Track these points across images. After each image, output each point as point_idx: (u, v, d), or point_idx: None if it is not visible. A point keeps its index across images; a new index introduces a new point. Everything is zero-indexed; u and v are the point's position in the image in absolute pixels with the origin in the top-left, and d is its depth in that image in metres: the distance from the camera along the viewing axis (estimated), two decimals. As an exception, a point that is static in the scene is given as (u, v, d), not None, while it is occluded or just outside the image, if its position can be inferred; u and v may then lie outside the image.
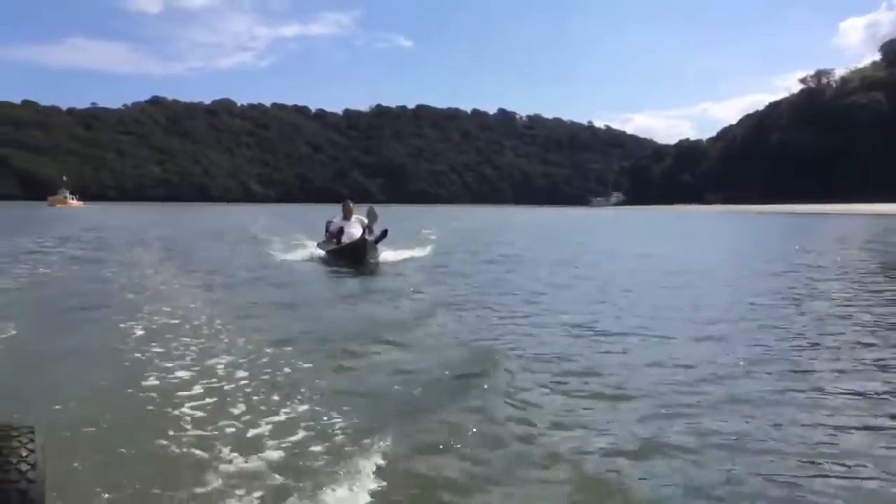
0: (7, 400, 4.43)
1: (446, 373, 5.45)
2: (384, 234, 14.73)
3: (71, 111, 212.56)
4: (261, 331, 6.82)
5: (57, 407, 4.32)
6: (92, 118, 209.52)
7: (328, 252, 14.88)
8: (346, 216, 15.70)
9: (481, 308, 8.66)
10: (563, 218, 66.49)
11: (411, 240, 19.47)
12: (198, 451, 3.68)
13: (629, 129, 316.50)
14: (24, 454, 1.31)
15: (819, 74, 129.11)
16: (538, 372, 5.49)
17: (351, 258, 13.63)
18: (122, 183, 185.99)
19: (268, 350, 5.96)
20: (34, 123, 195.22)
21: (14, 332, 6.46)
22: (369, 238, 14.05)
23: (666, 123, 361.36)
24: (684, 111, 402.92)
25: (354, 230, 14.81)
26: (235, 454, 3.66)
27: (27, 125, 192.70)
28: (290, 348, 6.05)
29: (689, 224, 49.79)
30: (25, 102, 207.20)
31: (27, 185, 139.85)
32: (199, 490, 3.22)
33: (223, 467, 3.49)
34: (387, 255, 15.08)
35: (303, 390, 4.81)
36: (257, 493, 3.20)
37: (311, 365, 5.55)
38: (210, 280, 11.19)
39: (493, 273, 13.17)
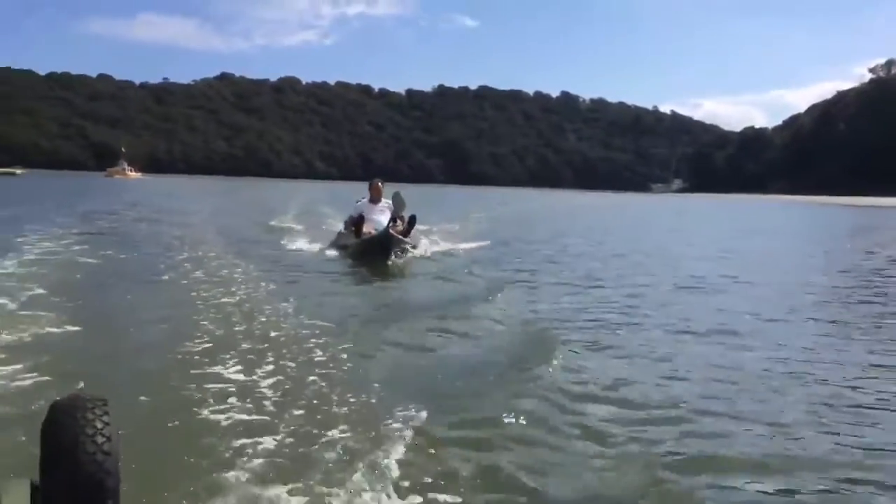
0: (73, 369, 4.76)
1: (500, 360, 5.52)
2: (412, 221, 12.83)
3: (144, 85, 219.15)
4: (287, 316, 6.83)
5: (109, 377, 4.60)
6: (164, 92, 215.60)
7: (346, 247, 12.66)
8: (374, 199, 13.41)
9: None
10: (622, 204, 65.71)
11: (454, 230, 18.25)
12: (241, 426, 3.88)
13: (698, 115, 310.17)
14: (99, 426, 1.34)
15: (890, 64, 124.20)
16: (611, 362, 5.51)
17: (374, 251, 11.75)
18: (190, 157, 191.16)
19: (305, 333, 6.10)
20: (109, 97, 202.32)
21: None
22: (395, 227, 12.30)
23: (736, 110, 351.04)
24: (756, 97, 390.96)
25: (380, 217, 12.69)
26: (276, 427, 3.84)
27: (103, 98, 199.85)
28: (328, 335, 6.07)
29: (751, 215, 48.77)
30: (101, 76, 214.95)
31: (101, 156, 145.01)
32: (241, 463, 3.40)
33: (264, 440, 3.67)
34: (424, 246, 13.51)
35: (350, 372, 4.96)
36: (296, 467, 3.35)
37: (353, 346, 5.69)
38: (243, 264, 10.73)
39: (553, 270, 11.92)
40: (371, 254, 11.70)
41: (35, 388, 4.45)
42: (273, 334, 6.02)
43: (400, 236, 12.19)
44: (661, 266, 13.50)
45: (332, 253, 12.70)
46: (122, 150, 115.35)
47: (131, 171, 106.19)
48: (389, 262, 11.50)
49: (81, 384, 4.39)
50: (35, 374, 4.74)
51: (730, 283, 11.09)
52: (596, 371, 5.32)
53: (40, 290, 7.77)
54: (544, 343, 6.06)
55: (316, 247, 13.55)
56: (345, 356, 5.38)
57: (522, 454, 3.71)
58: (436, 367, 5.42)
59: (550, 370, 5.23)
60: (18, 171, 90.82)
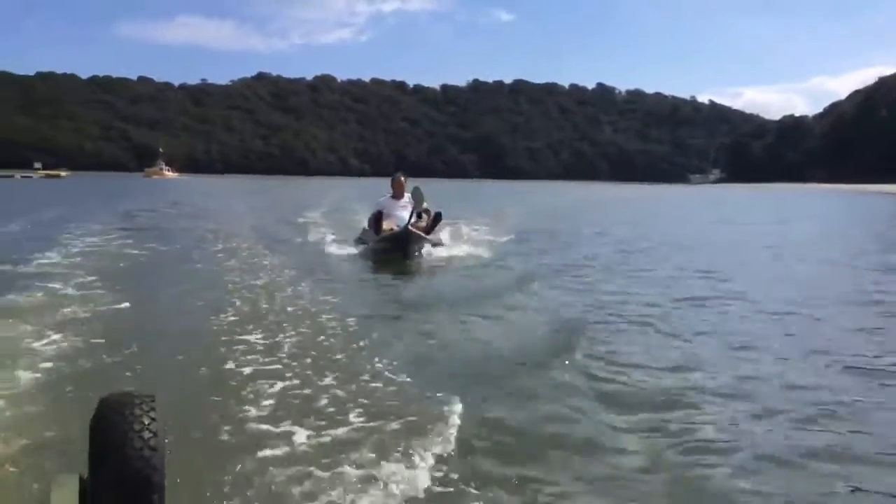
0: (115, 362, 4.93)
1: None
2: (437, 218, 12.51)
3: (182, 87, 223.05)
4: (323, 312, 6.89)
5: (149, 375, 4.69)
6: (202, 93, 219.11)
7: (367, 247, 12.32)
8: (396, 195, 12.88)
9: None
10: (657, 197, 64.94)
11: (483, 225, 17.73)
12: (278, 419, 3.94)
13: (738, 104, 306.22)
14: (146, 422, 1.37)
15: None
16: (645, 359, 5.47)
17: (393, 249, 11.40)
18: (228, 156, 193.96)
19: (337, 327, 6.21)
20: (149, 98, 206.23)
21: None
22: (415, 223, 11.76)
23: (778, 98, 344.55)
24: (798, 85, 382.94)
25: (401, 213, 12.09)
26: (310, 420, 3.92)
27: (143, 100, 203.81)
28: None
29: (788, 204, 47.92)
30: (141, 79, 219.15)
31: (142, 157, 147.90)
32: (276, 454, 3.48)
33: (300, 432, 3.75)
34: (448, 244, 12.99)
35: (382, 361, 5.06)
36: (330, 458, 3.41)
37: (386, 338, 5.82)
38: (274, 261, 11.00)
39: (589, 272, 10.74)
40: (390, 251, 11.34)
41: (83, 372, 4.70)
42: (292, 330, 6.10)
43: (421, 233, 11.69)
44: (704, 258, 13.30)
45: (353, 250, 12.35)
46: (160, 150, 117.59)
47: (169, 171, 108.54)
48: (409, 261, 11.09)
49: (128, 374, 4.69)
50: (81, 353, 5.21)
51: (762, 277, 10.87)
52: (631, 362, 5.36)
53: (88, 278, 8.70)
54: (573, 334, 6.06)
55: (338, 243, 13.33)
56: (366, 352, 5.42)
57: (554, 445, 3.73)
58: (463, 355, 5.50)
59: (578, 360, 5.26)
60: (63, 174, 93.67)
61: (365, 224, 13.48)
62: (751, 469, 3.50)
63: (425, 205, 12.32)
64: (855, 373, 5.25)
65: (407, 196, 12.52)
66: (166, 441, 1.40)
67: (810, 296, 8.87)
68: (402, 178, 13.14)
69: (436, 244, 12.32)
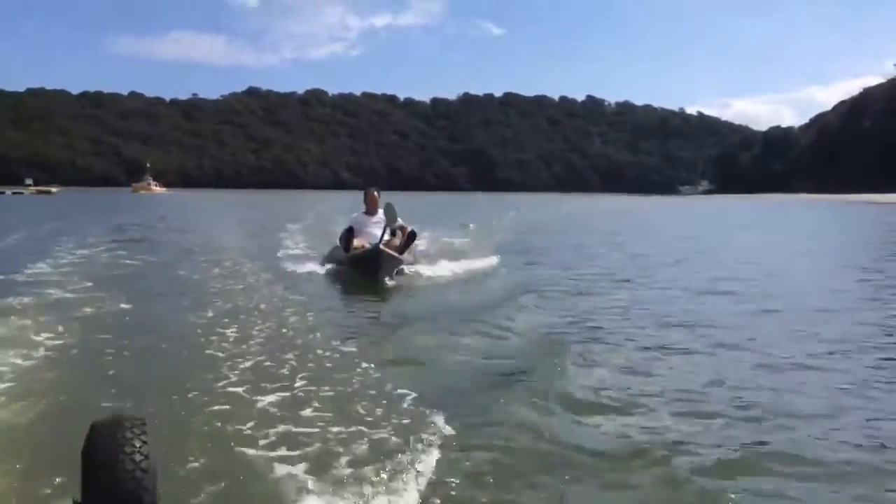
0: (98, 383, 4.97)
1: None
2: (411, 237, 11.60)
3: (174, 102, 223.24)
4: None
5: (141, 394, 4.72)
6: (193, 108, 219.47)
7: (336, 266, 11.57)
8: (369, 210, 12.13)
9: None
10: (650, 207, 65.16)
11: (462, 242, 17.12)
12: (266, 438, 3.96)
13: (727, 116, 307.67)
14: (137, 445, 1.38)
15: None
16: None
17: (363, 269, 10.57)
18: (220, 171, 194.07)
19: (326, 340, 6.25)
20: (140, 114, 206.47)
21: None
22: (388, 243, 10.87)
23: (767, 109, 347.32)
24: (787, 96, 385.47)
25: (375, 230, 11.30)
26: (298, 439, 3.94)
27: (134, 115, 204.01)
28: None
29: (775, 215, 48.40)
30: (132, 94, 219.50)
31: (133, 172, 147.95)
32: (268, 474, 3.50)
33: (290, 445, 3.82)
34: (424, 263, 12.00)
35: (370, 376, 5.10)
36: (317, 474, 3.44)
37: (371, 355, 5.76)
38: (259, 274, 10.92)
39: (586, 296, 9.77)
40: (361, 271, 10.54)
41: (75, 391, 4.77)
42: (250, 346, 6.03)
43: (394, 253, 10.74)
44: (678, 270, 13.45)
45: (321, 269, 11.46)
46: (147, 165, 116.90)
47: (156, 185, 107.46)
48: (387, 281, 10.29)
49: (119, 391, 4.75)
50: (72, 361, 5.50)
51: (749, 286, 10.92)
52: (617, 376, 5.39)
53: (81, 286, 9.31)
54: (557, 348, 6.08)
55: (311, 260, 12.53)
56: (342, 371, 5.37)
57: (544, 455, 3.77)
58: (438, 374, 5.47)
59: (564, 374, 5.30)
60: (54, 190, 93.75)
61: (337, 241, 12.62)
62: (759, 482, 3.54)
63: (399, 222, 11.57)
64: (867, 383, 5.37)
65: (381, 212, 11.65)
66: (156, 464, 1.40)
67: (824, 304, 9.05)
68: (376, 193, 12.31)
69: (410, 264, 11.49)
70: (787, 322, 7.85)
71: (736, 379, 5.35)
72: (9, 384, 4.88)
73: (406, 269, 11.21)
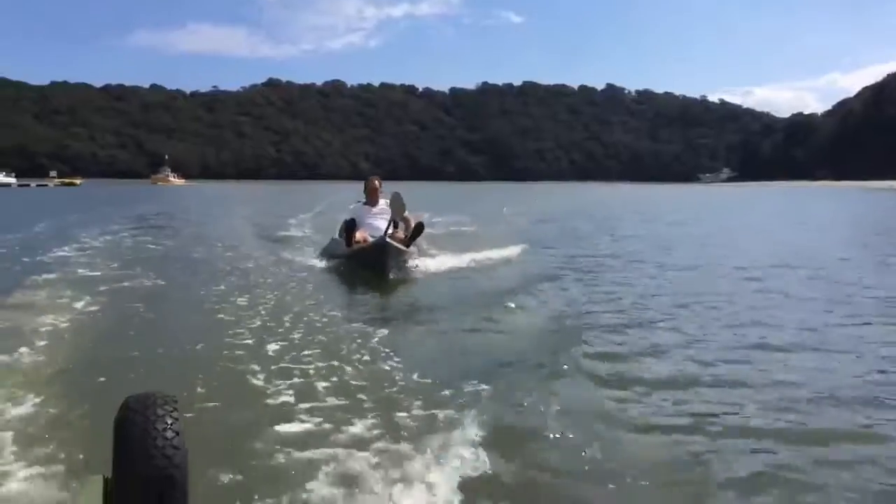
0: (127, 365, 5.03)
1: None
2: (418, 229, 10.54)
3: (194, 94, 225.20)
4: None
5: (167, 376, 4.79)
6: (213, 100, 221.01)
7: (337, 257, 10.73)
8: (370, 201, 11.21)
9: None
10: (659, 197, 64.40)
11: (472, 232, 16.66)
12: (291, 416, 4.00)
13: (749, 103, 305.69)
14: (169, 422, 1.40)
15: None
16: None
17: (368, 264, 9.72)
18: (240, 163, 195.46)
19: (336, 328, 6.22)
20: (161, 107, 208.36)
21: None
22: (392, 235, 10.02)
23: (790, 96, 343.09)
24: (810, 83, 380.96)
25: (377, 222, 10.58)
26: (320, 418, 3.96)
27: (155, 108, 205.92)
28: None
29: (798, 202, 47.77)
30: (153, 87, 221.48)
31: (155, 164, 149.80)
32: (294, 454, 3.50)
33: (310, 430, 3.80)
34: (430, 257, 11.13)
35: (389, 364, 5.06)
36: (335, 462, 3.40)
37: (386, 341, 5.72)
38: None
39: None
40: (366, 265, 9.73)
41: (104, 371, 4.81)
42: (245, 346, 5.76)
43: (401, 246, 9.93)
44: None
45: (321, 263, 10.64)
46: (166, 157, 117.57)
47: (175, 177, 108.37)
48: (391, 276, 9.47)
49: (147, 370, 4.88)
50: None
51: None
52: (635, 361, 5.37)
53: (104, 266, 10.06)
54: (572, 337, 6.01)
55: (313, 255, 11.68)
56: (364, 356, 5.37)
57: (563, 443, 3.74)
58: (458, 359, 5.39)
59: (587, 358, 5.28)
60: (78, 181, 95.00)
61: (336, 234, 11.92)
62: (776, 465, 3.52)
63: (406, 213, 10.80)
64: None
65: (383, 202, 10.96)
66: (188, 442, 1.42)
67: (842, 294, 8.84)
68: (378, 183, 11.41)
69: (416, 256, 10.65)
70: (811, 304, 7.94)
71: (767, 359, 5.42)
72: (38, 358, 5.03)
73: (412, 262, 10.30)
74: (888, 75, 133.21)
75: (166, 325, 6.63)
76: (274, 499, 3.04)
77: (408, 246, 10.24)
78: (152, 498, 1.35)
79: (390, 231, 10.07)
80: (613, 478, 3.33)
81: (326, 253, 11.25)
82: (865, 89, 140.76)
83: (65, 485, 3.03)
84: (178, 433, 1.40)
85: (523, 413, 4.13)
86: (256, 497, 3.04)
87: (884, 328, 6.68)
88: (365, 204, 11.22)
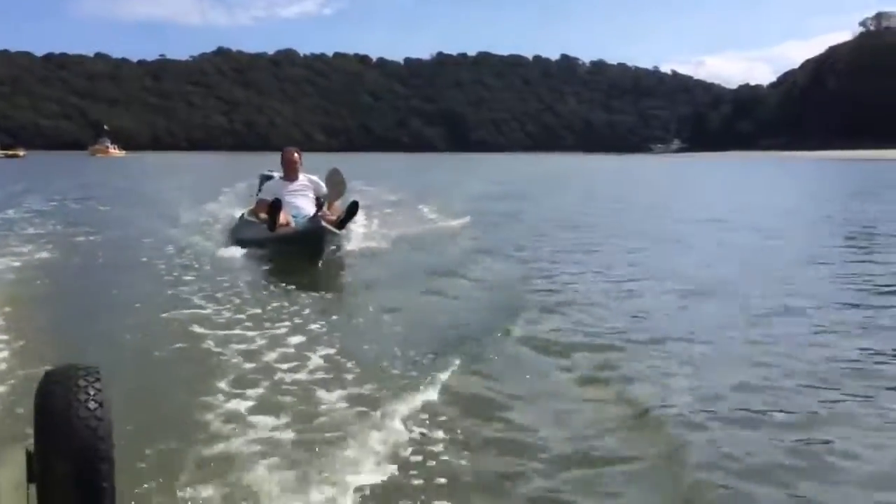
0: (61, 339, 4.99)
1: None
2: (352, 209, 9.09)
3: (141, 63, 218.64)
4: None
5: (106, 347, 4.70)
6: (161, 69, 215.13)
7: (251, 243, 9.02)
8: (288, 175, 9.77)
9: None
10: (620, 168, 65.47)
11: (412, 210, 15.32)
12: (237, 391, 3.89)
13: (701, 74, 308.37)
14: (91, 393, 1.37)
15: (879, 17, 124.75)
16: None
17: (301, 249, 8.40)
18: (191, 133, 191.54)
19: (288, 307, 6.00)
20: (107, 76, 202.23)
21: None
22: (325, 216, 8.72)
23: (742, 66, 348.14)
24: (763, 52, 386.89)
25: (297, 200, 9.38)
26: (264, 393, 3.88)
27: (100, 77, 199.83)
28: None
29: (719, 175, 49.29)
30: (98, 55, 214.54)
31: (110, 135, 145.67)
32: (228, 426, 3.44)
33: (263, 406, 3.71)
34: (362, 236, 10.23)
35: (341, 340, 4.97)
36: (290, 436, 3.33)
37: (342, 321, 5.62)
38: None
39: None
40: (294, 252, 8.43)
41: (26, 346, 4.73)
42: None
43: (335, 230, 8.57)
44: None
45: (229, 253, 8.80)
46: (105, 127, 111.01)
47: (115, 148, 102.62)
48: (320, 264, 8.24)
49: (71, 344, 4.80)
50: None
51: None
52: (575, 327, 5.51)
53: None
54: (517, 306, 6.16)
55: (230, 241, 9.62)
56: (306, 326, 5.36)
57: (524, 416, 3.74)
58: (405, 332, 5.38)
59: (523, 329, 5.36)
60: (21, 153, 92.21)
61: (238, 212, 10.98)
62: (720, 437, 3.50)
63: (336, 191, 9.75)
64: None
65: (304, 178, 9.72)
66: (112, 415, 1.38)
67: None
68: (296, 155, 9.82)
69: (348, 240, 9.52)
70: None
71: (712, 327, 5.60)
72: None
73: (345, 244, 9.23)
74: (829, 48, 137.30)
75: (90, 291, 6.92)
76: (205, 469, 2.99)
77: (341, 228, 8.81)
78: (77, 469, 1.33)
79: (320, 214, 8.81)
80: (562, 449, 3.33)
81: (237, 235, 9.54)
82: (808, 61, 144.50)
83: None
84: (101, 404, 1.37)
85: (476, 385, 4.14)
86: (186, 469, 2.99)
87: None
88: (283, 178, 9.77)
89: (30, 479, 1.37)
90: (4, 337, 4.91)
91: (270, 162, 11.50)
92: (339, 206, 9.62)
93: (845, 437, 3.51)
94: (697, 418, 3.69)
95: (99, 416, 1.36)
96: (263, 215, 9.16)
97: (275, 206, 8.76)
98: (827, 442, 3.48)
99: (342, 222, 8.96)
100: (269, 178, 10.49)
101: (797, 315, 6.02)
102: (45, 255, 8.76)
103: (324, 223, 8.39)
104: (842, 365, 4.61)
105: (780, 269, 8.46)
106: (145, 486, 2.82)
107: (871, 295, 6.89)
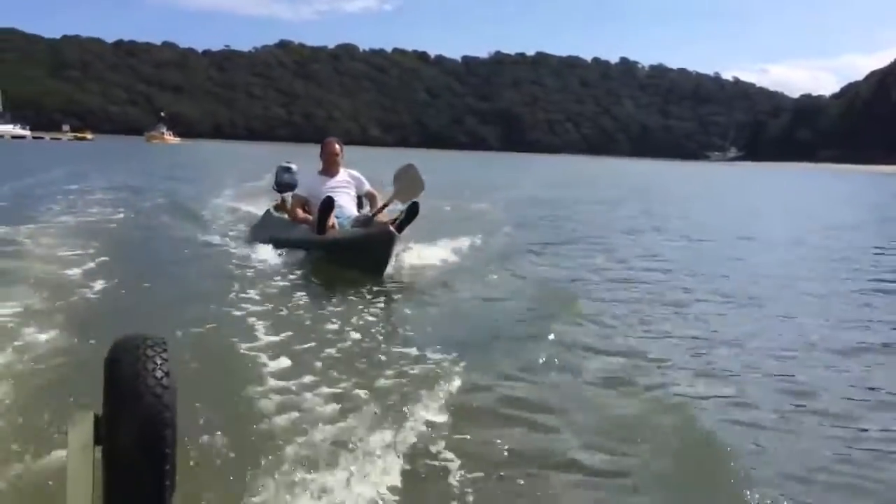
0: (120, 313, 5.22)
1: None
2: (412, 211, 7.50)
3: (206, 53, 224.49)
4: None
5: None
6: (225, 60, 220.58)
7: (296, 244, 7.80)
8: (328, 168, 8.48)
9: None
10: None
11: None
12: (275, 382, 3.87)
13: (764, 81, 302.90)
14: (159, 362, 1.42)
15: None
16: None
17: (362, 257, 7.08)
18: (250, 123, 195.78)
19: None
20: (173, 64, 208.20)
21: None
22: (380, 218, 7.83)
23: (806, 75, 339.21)
24: (829, 62, 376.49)
25: (342, 200, 8.02)
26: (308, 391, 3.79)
27: (167, 66, 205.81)
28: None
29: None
30: (165, 44, 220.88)
31: (168, 122, 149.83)
32: (276, 412, 3.46)
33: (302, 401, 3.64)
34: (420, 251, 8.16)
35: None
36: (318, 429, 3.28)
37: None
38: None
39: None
40: (350, 260, 7.11)
41: (96, 314, 5.09)
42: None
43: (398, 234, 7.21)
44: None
45: (262, 254, 7.66)
46: (162, 114, 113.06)
47: (170, 135, 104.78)
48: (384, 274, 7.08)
49: (137, 317, 5.07)
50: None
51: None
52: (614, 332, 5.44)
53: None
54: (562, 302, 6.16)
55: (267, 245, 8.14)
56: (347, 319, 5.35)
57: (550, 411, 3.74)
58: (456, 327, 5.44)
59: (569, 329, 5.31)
60: (89, 136, 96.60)
61: (259, 210, 10.30)
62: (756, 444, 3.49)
63: (369, 187, 8.64)
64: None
65: (344, 173, 8.49)
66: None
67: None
68: (338, 147, 8.61)
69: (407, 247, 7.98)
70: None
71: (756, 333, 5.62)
72: (34, 300, 5.26)
73: (405, 251, 7.85)
74: (894, 60, 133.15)
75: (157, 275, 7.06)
76: (255, 438, 3.15)
77: (399, 232, 7.29)
78: (142, 434, 1.39)
79: (364, 211, 8.13)
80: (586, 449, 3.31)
81: (271, 235, 8.26)
82: (873, 73, 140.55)
83: (55, 420, 3.06)
84: (167, 373, 1.44)
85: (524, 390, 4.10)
86: (237, 436, 3.12)
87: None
88: (321, 173, 8.49)
89: (97, 441, 1.43)
90: (74, 305, 5.28)
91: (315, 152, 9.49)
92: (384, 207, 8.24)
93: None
94: (743, 431, 3.63)
95: (165, 385, 1.43)
96: (303, 214, 8.15)
97: (327, 206, 7.50)
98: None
99: (401, 225, 7.39)
100: (288, 170, 9.69)
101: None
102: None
103: (391, 228, 7.13)
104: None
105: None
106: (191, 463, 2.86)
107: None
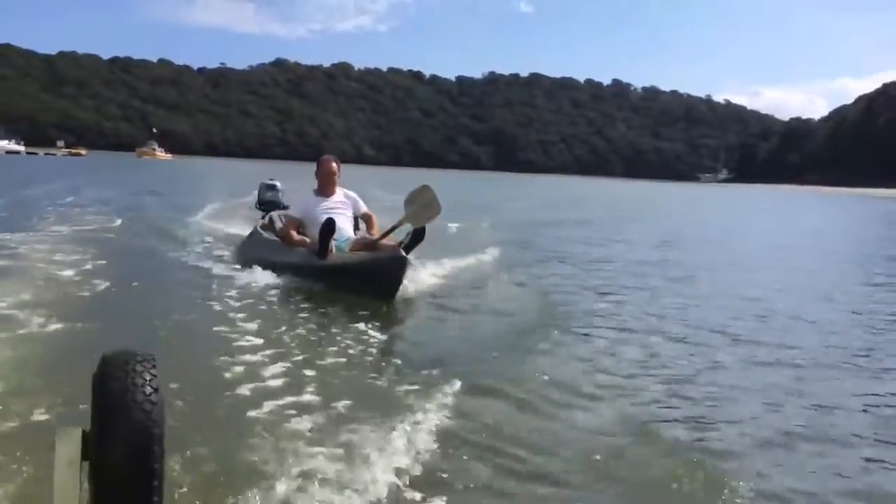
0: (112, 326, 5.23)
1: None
2: (418, 235, 7.15)
3: (201, 70, 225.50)
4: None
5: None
6: (220, 77, 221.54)
7: (288, 268, 7.19)
8: (324, 188, 7.94)
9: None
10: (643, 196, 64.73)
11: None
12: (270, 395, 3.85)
13: (756, 104, 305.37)
14: (147, 378, 1.43)
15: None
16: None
17: (370, 282, 6.58)
18: (244, 141, 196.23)
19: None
20: (169, 81, 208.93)
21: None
22: (366, 239, 7.45)
23: (799, 98, 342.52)
24: (821, 86, 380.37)
25: (339, 222, 7.29)
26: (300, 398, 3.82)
27: (162, 83, 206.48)
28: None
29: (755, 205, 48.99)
30: (161, 61, 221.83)
31: (159, 138, 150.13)
32: (264, 423, 3.46)
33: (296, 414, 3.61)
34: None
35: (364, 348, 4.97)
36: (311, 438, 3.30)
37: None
38: None
39: None
40: (357, 286, 6.63)
41: (82, 330, 5.04)
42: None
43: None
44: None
45: (254, 275, 7.11)
46: (154, 130, 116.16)
47: (161, 151, 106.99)
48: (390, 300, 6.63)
49: (125, 333, 5.05)
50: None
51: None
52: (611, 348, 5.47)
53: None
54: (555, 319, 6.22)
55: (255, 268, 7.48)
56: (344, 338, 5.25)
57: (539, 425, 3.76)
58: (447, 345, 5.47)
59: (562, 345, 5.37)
60: (83, 152, 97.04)
61: (230, 227, 9.97)
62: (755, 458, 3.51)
63: (366, 209, 8.03)
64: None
65: (341, 192, 7.98)
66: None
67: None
68: (335, 165, 8.08)
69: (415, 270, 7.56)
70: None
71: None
72: (21, 311, 5.27)
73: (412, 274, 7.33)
74: (882, 85, 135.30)
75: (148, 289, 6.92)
76: (243, 454, 3.11)
77: (407, 254, 6.94)
78: (130, 450, 1.39)
79: (361, 233, 7.75)
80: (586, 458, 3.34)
81: (263, 256, 7.61)
82: (862, 97, 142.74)
83: (42, 436, 2.87)
84: (156, 389, 1.46)
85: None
86: (225, 452, 3.11)
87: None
88: (316, 194, 7.94)
89: (84, 456, 1.43)
90: (63, 320, 5.18)
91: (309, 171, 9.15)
92: (378, 226, 7.82)
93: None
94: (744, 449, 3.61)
95: (153, 401, 1.45)
96: (299, 236, 7.65)
97: (328, 229, 6.93)
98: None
99: (406, 248, 7.02)
100: (272, 187, 9.53)
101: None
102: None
103: (402, 251, 6.80)
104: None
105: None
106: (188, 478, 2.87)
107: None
